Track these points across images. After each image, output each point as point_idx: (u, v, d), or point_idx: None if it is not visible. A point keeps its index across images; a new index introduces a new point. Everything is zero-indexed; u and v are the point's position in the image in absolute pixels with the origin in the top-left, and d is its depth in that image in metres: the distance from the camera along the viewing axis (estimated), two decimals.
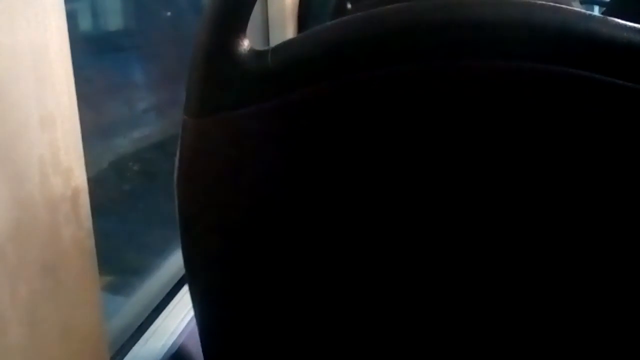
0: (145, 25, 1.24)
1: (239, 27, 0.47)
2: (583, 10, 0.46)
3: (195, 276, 0.56)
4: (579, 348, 0.53)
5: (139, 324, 0.91)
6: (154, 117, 1.29)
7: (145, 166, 1.22)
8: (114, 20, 1.15)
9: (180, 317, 0.92)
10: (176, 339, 0.86)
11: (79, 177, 0.53)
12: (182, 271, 0.58)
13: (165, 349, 0.83)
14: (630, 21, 0.45)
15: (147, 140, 1.22)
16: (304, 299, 0.54)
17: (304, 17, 1.58)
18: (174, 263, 1.09)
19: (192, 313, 0.90)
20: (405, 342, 0.54)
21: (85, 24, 1.04)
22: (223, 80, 0.48)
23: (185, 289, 1.01)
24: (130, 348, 0.84)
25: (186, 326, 0.89)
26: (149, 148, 1.22)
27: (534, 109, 0.46)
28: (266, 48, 0.48)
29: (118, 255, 1.05)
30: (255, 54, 0.48)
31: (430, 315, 0.53)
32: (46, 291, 0.49)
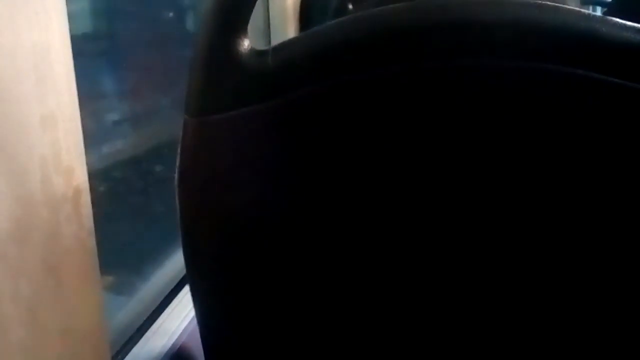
0: (118, 27, 1.11)
1: (239, 26, 0.47)
2: (583, 10, 0.46)
3: (196, 276, 0.56)
4: (579, 348, 0.53)
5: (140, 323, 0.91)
6: (127, 130, 1.14)
7: (113, 187, 1.06)
8: (79, 22, 1.00)
9: (181, 316, 0.92)
10: (177, 339, 0.86)
11: (81, 177, 0.53)
12: (184, 271, 0.58)
13: (166, 349, 0.83)
14: (631, 21, 0.45)
15: (118, 157, 1.08)
16: (305, 299, 0.54)
17: (306, 17, 1.58)
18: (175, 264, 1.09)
19: (193, 313, 0.90)
20: (406, 342, 0.54)
21: None
22: (224, 80, 0.48)
23: (187, 288, 1.01)
24: (132, 348, 0.84)
25: (187, 326, 0.89)
26: (119, 165, 1.08)
27: (533, 109, 0.46)
28: (267, 48, 0.48)
29: None
30: (256, 53, 0.48)
31: (431, 315, 0.53)
32: (47, 291, 0.49)
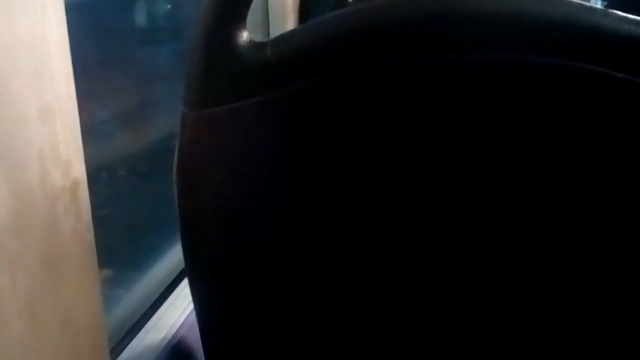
0: None
1: (238, 18, 0.47)
2: (585, 3, 0.46)
3: (195, 270, 0.56)
4: (579, 348, 0.53)
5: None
6: None
7: None
8: None
9: (180, 309, 0.92)
10: (176, 332, 0.86)
11: (78, 170, 0.53)
12: (182, 264, 0.58)
13: (165, 342, 0.84)
14: (633, 14, 0.45)
15: None
16: (304, 293, 0.54)
17: (305, 9, 1.57)
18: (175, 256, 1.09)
19: (192, 306, 0.91)
20: (406, 342, 0.54)
21: None
22: (222, 73, 0.47)
23: (185, 282, 1.01)
24: (130, 341, 0.84)
25: (186, 319, 0.90)
26: None
27: (534, 102, 0.46)
28: (265, 40, 0.48)
29: None
30: (254, 45, 0.47)
31: (431, 315, 0.53)
32: (46, 284, 0.49)
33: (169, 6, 1.26)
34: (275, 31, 1.53)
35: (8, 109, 0.45)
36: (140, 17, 1.14)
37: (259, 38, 0.48)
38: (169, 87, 1.16)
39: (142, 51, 1.13)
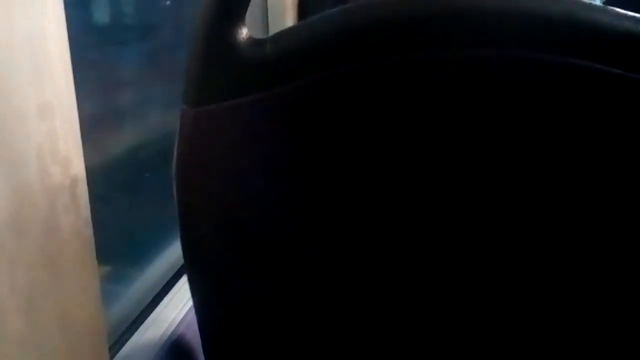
0: None
1: (237, 15, 0.47)
2: (584, 0, 0.46)
3: (194, 266, 0.56)
4: (579, 348, 0.53)
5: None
6: None
7: None
8: None
9: (179, 306, 0.92)
10: (175, 329, 0.86)
11: (78, 167, 0.53)
12: (181, 261, 0.58)
13: (164, 339, 0.84)
14: (631, 11, 0.45)
15: None
16: (303, 289, 0.54)
17: (304, 5, 1.57)
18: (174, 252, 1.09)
19: (191, 303, 0.91)
20: (406, 342, 0.54)
21: None
22: (221, 69, 0.47)
23: (184, 278, 1.01)
24: (129, 337, 0.85)
25: (185, 315, 0.90)
26: None
27: (532, 99, 0.46)
28: (265, 37, 0.48)
29: None
30: (254, 42, 0.47)
31: (431, 315, 0.53)
32: (45, 281, 0.49)
33: (136, 1, 1.10)
34: (274, 28, 1.53)
35: (7, 105, 0.45)
36: (101, 14, 0.99)
37: (258, 34, 0.48)
38: (133, 94, 1.06)
39: (104, 52, 0.98)
